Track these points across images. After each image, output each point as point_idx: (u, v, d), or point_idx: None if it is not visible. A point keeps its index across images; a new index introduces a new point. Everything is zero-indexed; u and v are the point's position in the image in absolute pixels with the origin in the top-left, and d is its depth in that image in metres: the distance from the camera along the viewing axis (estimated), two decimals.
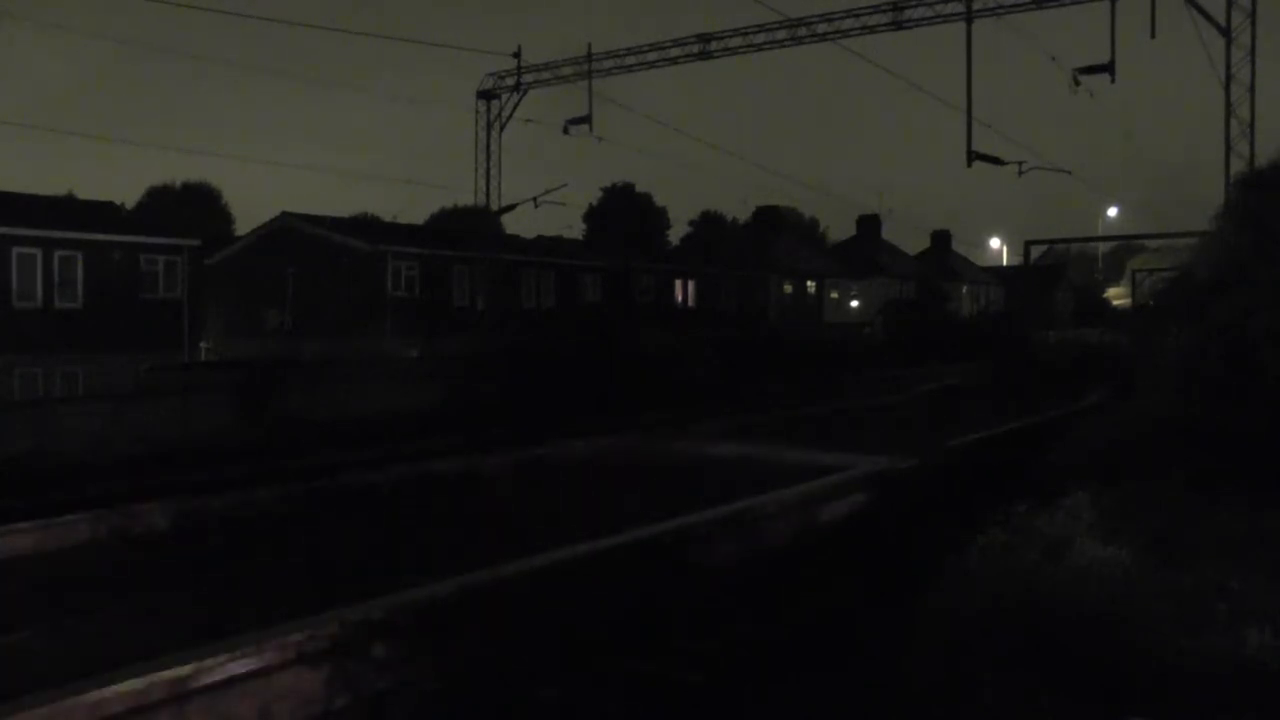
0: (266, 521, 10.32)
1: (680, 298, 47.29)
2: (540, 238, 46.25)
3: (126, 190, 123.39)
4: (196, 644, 5.52)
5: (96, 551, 9.30)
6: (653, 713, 6.53)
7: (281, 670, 5.65)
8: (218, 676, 5.34)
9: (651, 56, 30.83)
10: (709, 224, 70.73)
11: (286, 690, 5.65)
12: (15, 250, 26.71)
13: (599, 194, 66.93)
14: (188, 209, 54.60)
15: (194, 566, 8.75)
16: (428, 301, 35.85)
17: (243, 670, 5.43)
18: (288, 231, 36.90)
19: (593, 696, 6.46)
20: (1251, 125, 23.99)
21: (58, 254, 27.61)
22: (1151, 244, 73.90)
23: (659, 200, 68.85)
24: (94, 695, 4.90)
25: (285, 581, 8.12)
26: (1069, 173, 33.77)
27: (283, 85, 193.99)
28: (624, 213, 64.49)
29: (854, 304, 61.08)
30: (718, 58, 30.19)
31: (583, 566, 7.73)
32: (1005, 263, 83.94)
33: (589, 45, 31.15)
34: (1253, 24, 23.94)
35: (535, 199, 33.73)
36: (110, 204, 36.94)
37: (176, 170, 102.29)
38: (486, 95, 33.63)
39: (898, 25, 27.71)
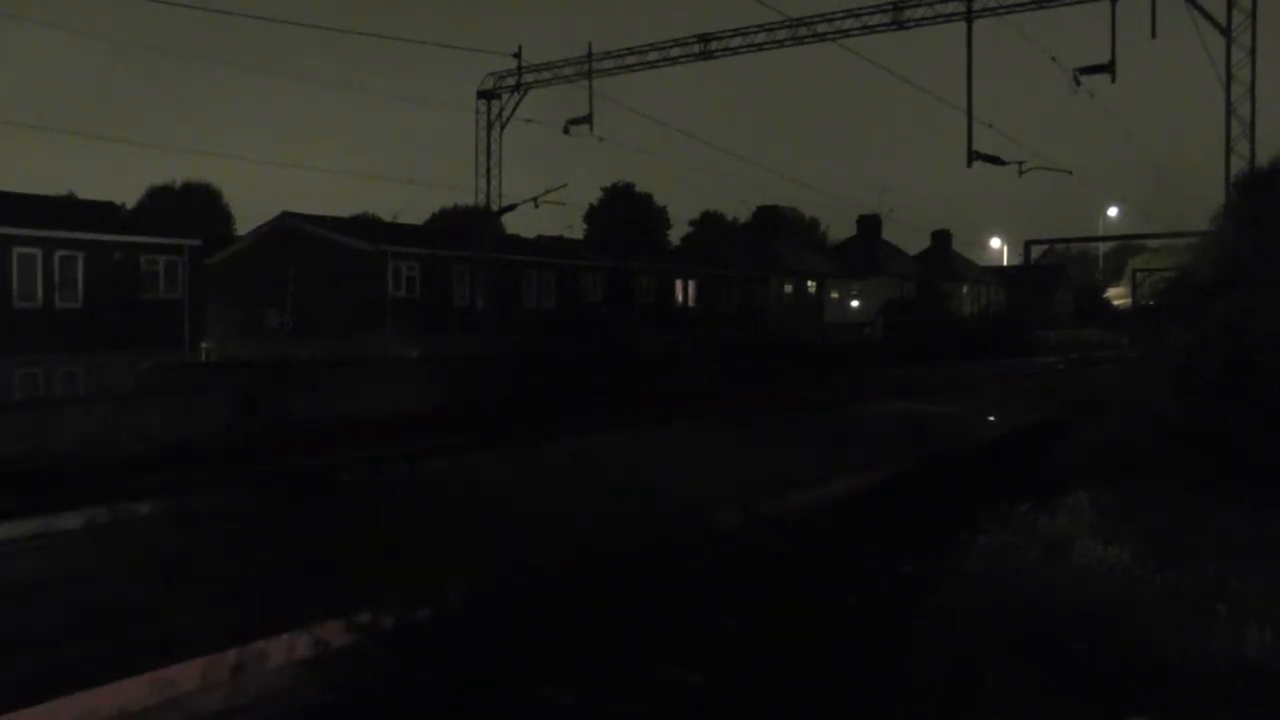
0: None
1: (681, 298, 47.29)
2: (540, 238, 46.26)
3: (126, 190, 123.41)
4: None
5: (92, 552, 9.31)
6: None
7: None
8: None
9: (652, 56, 30.69)
10: (709, 224, 70.71)
11: None
12: (15, 250, 26.67)
13: (599, 194, 66.97)
14: (188, 209, 54.55)
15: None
16: (428, 302, 35.84)
17: None
18: (288, 231, 36.90)
19: None
20: (1252, 125, 23.88)
21: (58, 254, 27.58)
22: (1151, 244, 73.82)
23: (659, 200, 68.89)
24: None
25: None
26: (1069, 173, 33.44)
27: (283, 85, 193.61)
28: (624, 213, 64.47)
29: (854, 304, 61.05)
30: (718, 58, 30.04)
31: None
32: (1005, 263, 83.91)
33: (589, 45, 30.91)
34: (1253, 24, 23.85)
35: (535, 199, 33.55)
36: (110, 204, 36.92)
37: (176, 170, 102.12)
38: (487, 95, 33.50)
39: (898, 25, 27.59)
